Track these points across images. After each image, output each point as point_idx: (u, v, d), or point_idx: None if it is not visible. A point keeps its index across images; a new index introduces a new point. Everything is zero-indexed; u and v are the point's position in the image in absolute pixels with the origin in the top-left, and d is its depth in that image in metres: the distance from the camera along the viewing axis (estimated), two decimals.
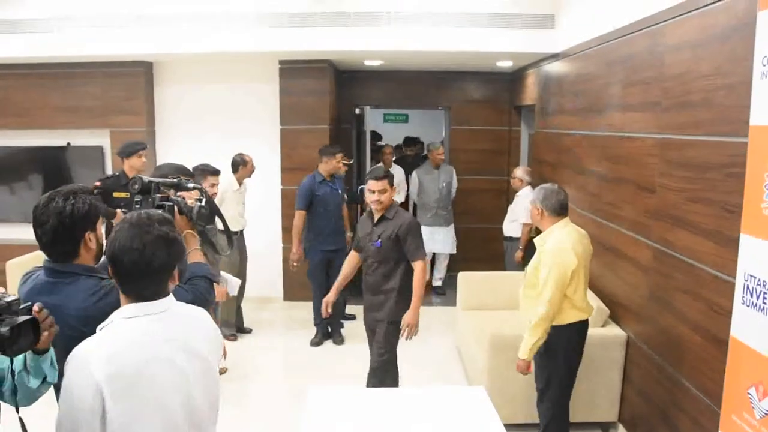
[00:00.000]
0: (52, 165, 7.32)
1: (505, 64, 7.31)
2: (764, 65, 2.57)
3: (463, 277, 5.99)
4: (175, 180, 2.45)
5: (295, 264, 6.28)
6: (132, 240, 1.76)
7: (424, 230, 7.03)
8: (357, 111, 8.21)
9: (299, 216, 6.16)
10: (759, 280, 2.57)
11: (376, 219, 4.32)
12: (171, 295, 1.89)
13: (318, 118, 7.21)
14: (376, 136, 8.84)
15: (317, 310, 6.17)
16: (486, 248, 7.83)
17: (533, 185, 6.24)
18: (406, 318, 4.22)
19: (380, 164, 7.94)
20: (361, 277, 4.57)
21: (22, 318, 1.71)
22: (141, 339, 1.76)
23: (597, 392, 4.34)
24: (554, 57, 6.19)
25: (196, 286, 2.33)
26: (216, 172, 5.14)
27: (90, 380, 1.66)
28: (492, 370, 4.37)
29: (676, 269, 3.65)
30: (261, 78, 7.30)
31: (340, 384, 4.90)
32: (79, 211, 2.09)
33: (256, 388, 5.35)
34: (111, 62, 7.02)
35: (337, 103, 7.93)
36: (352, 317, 6.87)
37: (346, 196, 6.65)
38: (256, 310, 7.01)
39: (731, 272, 2.86)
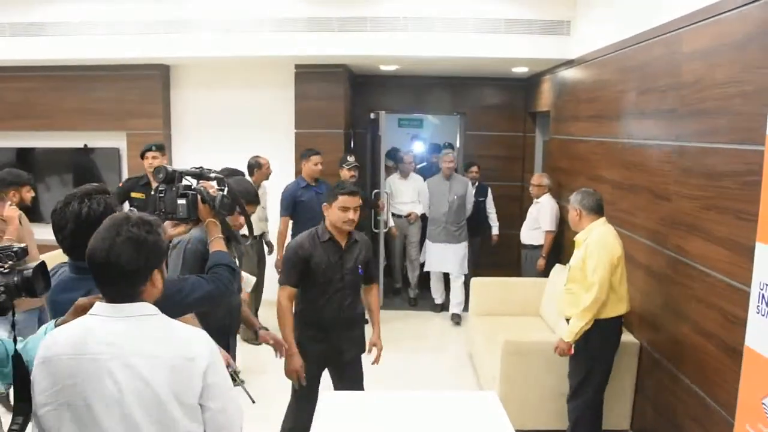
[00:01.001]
0: (69, 167, 7.39)
1: (521, 70, 7.31)
2: None
3: (476, 283, 5.99)
4: (197, 169, 2.46)
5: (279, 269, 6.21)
6: (103, 240, 1.74)
7: (433, 247, 7.09)
8: (372, 116, 8.22)
9: (283, 222, 6.14)
10: None
11: (344, 243, 3.62)
12: (147, 304, 1.78)
13: (333, 122, 7.24)
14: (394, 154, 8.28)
15: None
16: (500, 254, 7.79)
17: (553, 192, 6.22)
18: (378, 343, 3.84)
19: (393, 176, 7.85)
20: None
21: (34, 263, 1.79)
22: (81, 334, 1.70)
23: (609, 400, 4.30)
24: (569, 63, 6.18)
25: (218, 275, 2.33)
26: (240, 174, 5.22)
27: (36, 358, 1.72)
28: (505, 375, 4.36)
29: (690, 277, 3.64)
30: (276, 82, 7.34)
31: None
32: (95, 212, 2.10)
33: (266, 392, 5.32)
34: (129, 65, 7.10)
35: (353, 108, 7.95)
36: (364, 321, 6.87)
37: None
38: (273, 315, 6.94)
39: (746, 281, 2.84)
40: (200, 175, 2.44)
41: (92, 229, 2.02)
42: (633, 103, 4.60)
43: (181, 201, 2.29)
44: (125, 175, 7.10)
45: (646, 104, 4.35)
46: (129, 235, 1.74)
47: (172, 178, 2.35)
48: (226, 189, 2.43)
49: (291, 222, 6.15)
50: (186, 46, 6.46)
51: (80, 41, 6.51)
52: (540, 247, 6.29)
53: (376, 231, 7.39)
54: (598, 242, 3.83)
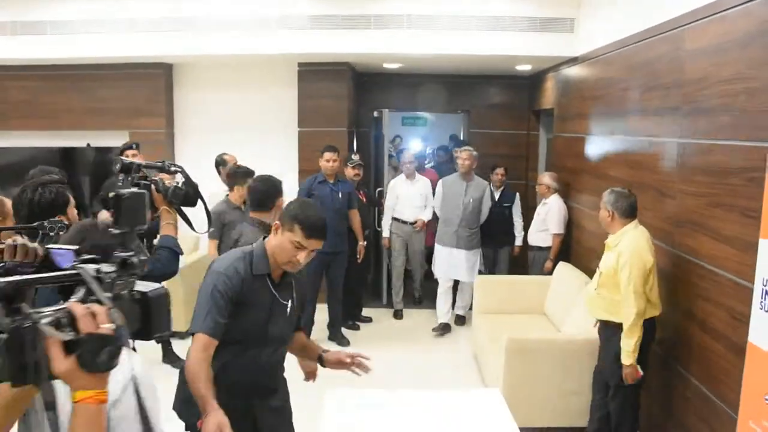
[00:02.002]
0: (72, 166, 7.41)
1: (524, 68, 7.29)
2: None
3: (481, 281, 5.99)
4: (159, 163, 2.65)
5: None
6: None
7: (441, 251, 6.58)
8: (375, 114, 8.22)
9: None
10: None
11: (278, 279, 2.61)
12: None
13: (336, 120, 7.23)
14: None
15: (306, 314, 6.12)
16: None
17: (560, 192, 6.20)
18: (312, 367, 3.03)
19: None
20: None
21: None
22: None
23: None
24: (573, 61, 6.17)
25: (159, 255, 2.68)
26: (252, 173, 5.16)
27: None
28: (509, 373, 4.35)
29: (697, 276, 3.62)
30: (280, 80, 7.35)
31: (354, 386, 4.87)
32: (45, 199, 2.39)
33: None
34: (132, 64, 7.12)
35: (356, 107, 7.95)
36: (369, 319, 6.88)
37: (360, 201, 6.59)
38: None
39: (751, 278, 2.83)
40: (161, 168, 2.65)
41: (45, 214, 2.27)
42: (637, 101, 4.58)
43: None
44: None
45: (651, 102, 4.34)
46: (93, 243, 1.67)
47: (128, 168, 2.54)
48: (181, 182, 2.66)
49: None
50: (189, 44, 6.46)
51: (84, 40, 6.52)
52: (548, 249, 6.18)
53: (379, 230, 7.37)
54: (631, 251, 3.69)
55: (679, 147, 3.85)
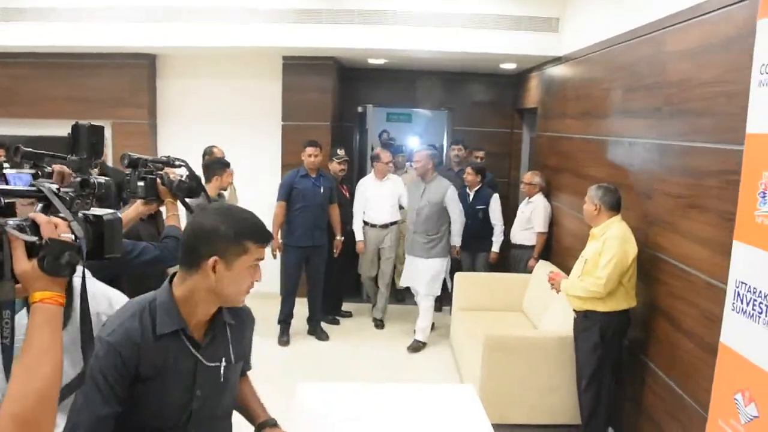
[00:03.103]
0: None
1: (509, 67, 7.31)
2: (762, 73, 2.58)
3: (460, 277, 6.00)
4: (164, 158, 2.76)
5: (274, 252, 6.17)
6: None
7: (407, 259, 6.16)
8: (360, 110, 8.21)
9: (277, 207, 6.13)
10: (749, 287, 2.59)
11: (202, 337, 1.87)
12: None
13: (320, 115, 7.21)
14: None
15: (285, 306, 6.21)
16: None
17: (545, 191, 6.21)
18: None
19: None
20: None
21: None
22: None
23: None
24: (557, 60, 6.20)
25: (166, 244, 2.86)
26: (228, 165, 5.37)
27: None
28: (486, 370, 4.37)
29: (671, 276, 3.67)
30: (264, 73, 7.31)
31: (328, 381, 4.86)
32: None
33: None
34: (116, 54, 7.05)
35: (341, 102, 7.93)
36: (348, 314, 6.88)
37: (344, 196, 6.59)
38: (253, 307, 6.89)
39: (724, 280, 2.87)
40: (167, 162, 2.75)
41: None
42: (619, 102, 4.62)
43: (140, 183, 2.63)
44: (110, 164, 7.04)
45: (632, 103, 4.37)
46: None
47: (135, 163, 2.65)
48: (185, 175, 2.76)
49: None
50: (173, 35, 6.41)
51: (67, 28, 6.44)
52: (531, 247, 6.17)
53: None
54: (619, 239, 3.87)
55: (659, 148, 3.89)
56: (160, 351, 1.75)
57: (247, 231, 1.75)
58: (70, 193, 1.47)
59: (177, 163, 2.78)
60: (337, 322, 6.69)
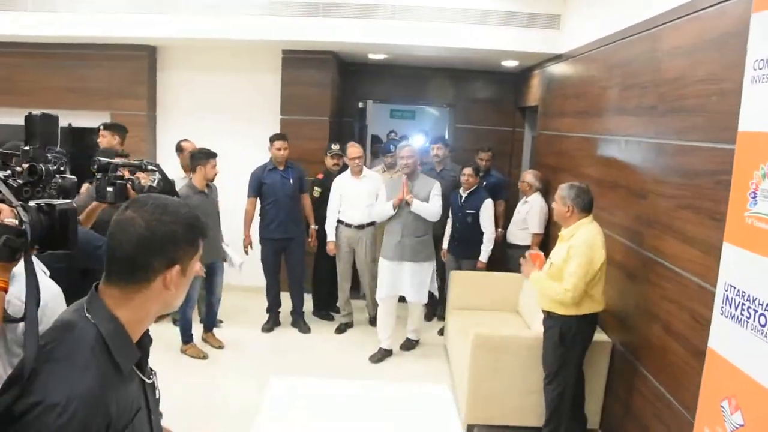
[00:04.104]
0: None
1: (511, 64, 7.24)
2: (755, 69, 2.50)
3: (456, 276, 5.93)
4: (137, 162, 2.78)
5: (246, 248, 6.21)
6: None
7: (385, 265, 5.57)
8: (360, 105, 8.15)
9: (249, 203, 6.17)
10: (738, 290, 2.51)
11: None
12: None
13: (319, 109, 7.17)
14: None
15: (269, 297, 6.31)
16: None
17: (542, 191, 6.12)
18: None
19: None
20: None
21: None
22: None
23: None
24: (558, 58, 6.12)
25: None
26: (215, 155, 5.45)
27: None
28: (474, 369, 4.31)
29: (663, 278, 3.59)
30: (263, 67, 7.27)
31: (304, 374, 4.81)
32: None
33: (219, 379, 5.25)
34: (116, 45, 7.02)
35: (341, 96, 7.88)
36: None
37: (312, 186, 6.52)
38: (241, 300, 6.88)
39: (715, 282, 2.79)
40: (139, 167, 2.79)
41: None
42: (616, 100, 4.54)
43: (110, 188, 2.66)
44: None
45: (628, 101, 4.30)
46: None
47: (105, 167, 2.67)
48: (156, 181, 2.77)
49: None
50: (173, 27, 6.38)
51: (66, 19, 6.41)
52: (527, 248, 6.01)
53: None
54: (585, 246, 3.79)
55: (653, 147, 3.81)
56: (121, 394, 1.39)
57: (196, 227, 1.49)
58: (18, 181, 1.48)
59: (150, 168, 2.80)
60: (331, 318, 6.65)
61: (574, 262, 3.77)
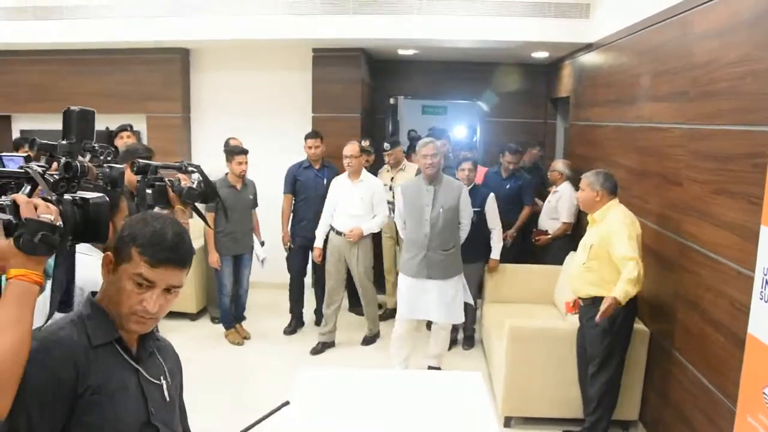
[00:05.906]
0: None
1: (541, 55, 7.18)
2: None
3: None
4: (177, 164, 2.75)
5: (286, 245, 6.20)
6: None
7: (406, 282, 4.84)
8: (392, 101, 8.16)
9: (285, 200, 6.17)
10: None
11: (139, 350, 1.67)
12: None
13: (349, 106, 7.19)
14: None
15: (292, 297, 6.25)
16: (517, 243, 7.65)
17: (572, 180, 6.07)
18: None
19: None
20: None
21: None
22: None
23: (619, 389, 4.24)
24: (589, 47, 6.05)
25: None
26: (243, 152, 5.63)
27: None
28: (510, 361, 4.30)
29: (700, 264, 3.54)
30: (294, 66, 7.33)
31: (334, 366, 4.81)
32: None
33: (243, 372, 5.25)
34: (149, 48, 7.15)
35: (372, 93, 7.91)
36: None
37: None
38: (268, 296, 6.96)
39: (753, 267, 2.75)
40: (179, 168, 2.75)
41: None
42: (647, 87, 4.49)
43: (149, 190, 2.62)
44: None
45: (659, 87, 4.24)
46: None
47: (144, 170, 2.63)
48: (196, 182, 2.73)
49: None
50: (205, 29, 6.49)
51: (100, 25, 6.57)
52: (555, 237, 6.10)
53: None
54: (622, 220, 3.88)
55: (686, 133, 3.76)
56: (99, 362, 1.49)
57: (139, 236, 1.51)
58: (55, 176, 1.50)
59: (190, 169, 2.77)
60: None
61: (622, 237, 3.79)
